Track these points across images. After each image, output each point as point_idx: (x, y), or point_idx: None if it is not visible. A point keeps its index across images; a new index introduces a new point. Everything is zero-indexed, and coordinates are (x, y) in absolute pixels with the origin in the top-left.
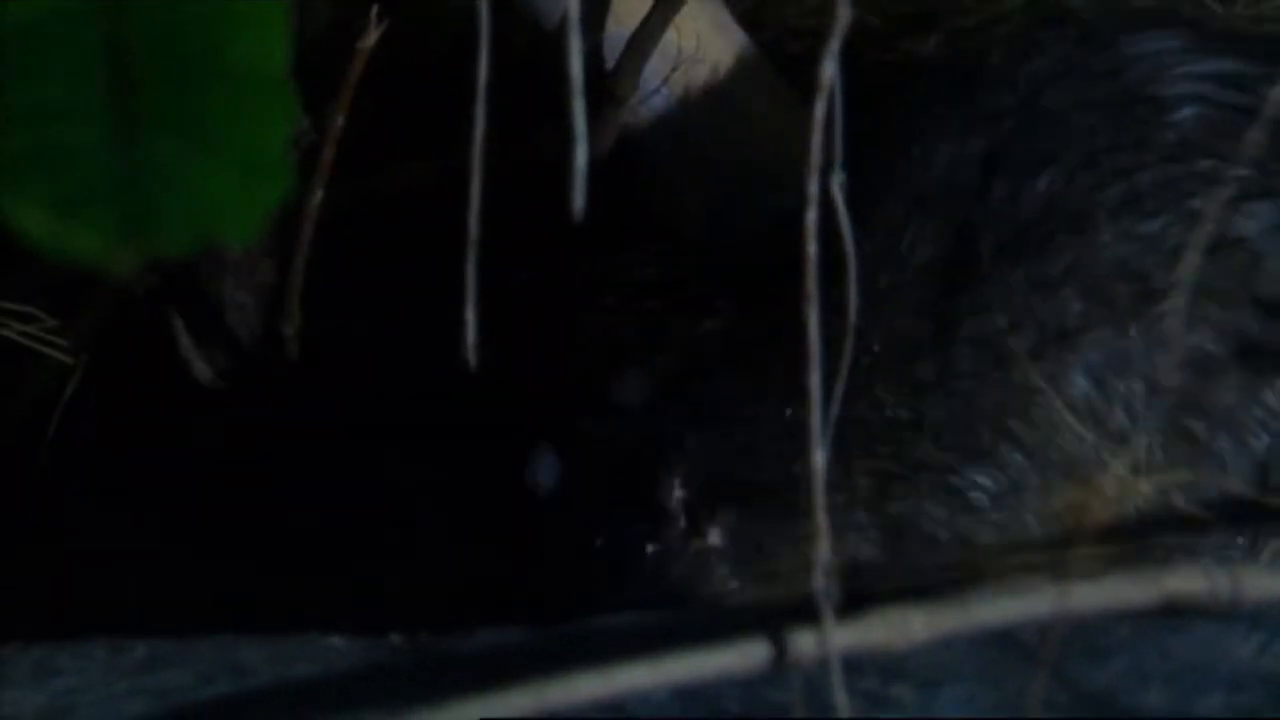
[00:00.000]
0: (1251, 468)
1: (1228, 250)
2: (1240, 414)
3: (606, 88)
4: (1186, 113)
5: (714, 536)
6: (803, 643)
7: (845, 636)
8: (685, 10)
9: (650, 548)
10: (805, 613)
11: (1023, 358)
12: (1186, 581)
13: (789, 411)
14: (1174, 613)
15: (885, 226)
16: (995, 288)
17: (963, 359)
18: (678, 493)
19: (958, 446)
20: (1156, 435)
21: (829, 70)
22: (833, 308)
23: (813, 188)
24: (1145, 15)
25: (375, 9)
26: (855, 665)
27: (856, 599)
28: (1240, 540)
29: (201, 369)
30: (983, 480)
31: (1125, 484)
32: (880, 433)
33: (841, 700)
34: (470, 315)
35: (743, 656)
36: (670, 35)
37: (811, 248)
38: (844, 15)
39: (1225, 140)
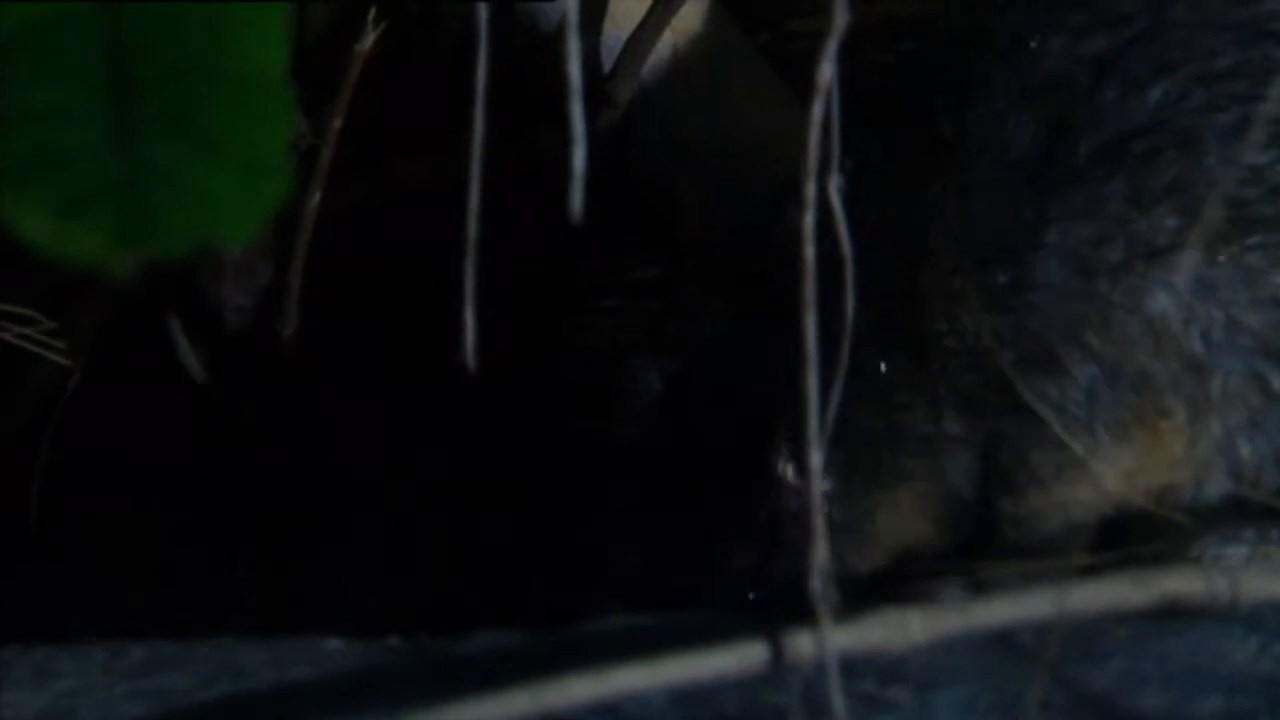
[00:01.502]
0: None
1: None
2: None
3: (604, 90)
4: None
5: (826, 484)
6: (800, 645)
7: (843, 638)
8: (682, 13)
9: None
10: (803, 614)
11: (1107, 270)
12: (1185, 583)
13: (882, 366)
14: (1172, 615)
15: (987, 118)
16: (1089, 194)
17: (1046, 266)
18: (785, 450)
19: (1027, 357)
20: (1232, 373)
21: (827, 72)
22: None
23: (810, 190)
24: None
25: (373, 12)
26: (853, 667)
27: (855, 601)
28: (1239, 541)
29: (199, 371)
30: (1051, 391)
31: (1181, 438)
32: (958, 345)
33: (839, 702)
34: (469, 317)
35: (740, 658)
36: (667, 38)
37: (809, 251)
38: (842, 17)
39: None
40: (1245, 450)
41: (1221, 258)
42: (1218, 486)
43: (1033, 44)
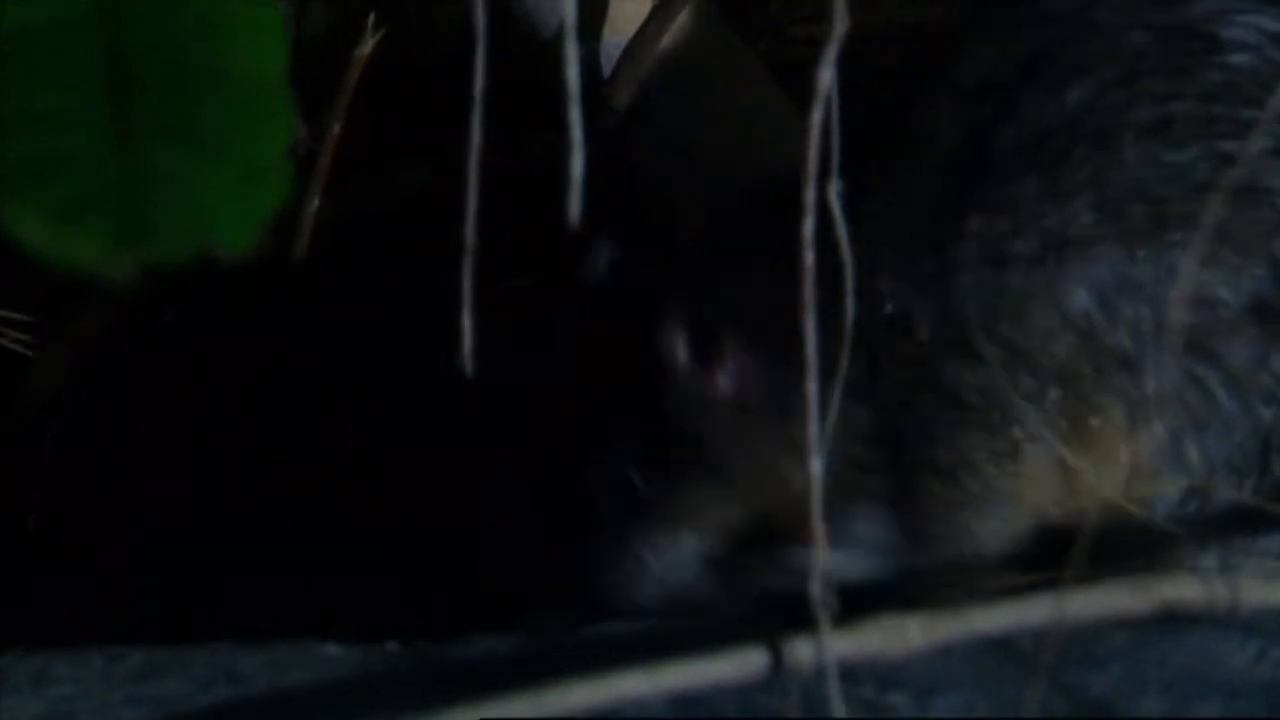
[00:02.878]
0: (1255, 435)
1: (1253, 199)
2: (1249, 375)
3: (603, 96)
4: (1240, 59)
5: (722, 379)
6: (800, 650)
7: (842, 644)
8: (681, 18)
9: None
10: (802, 620)
11: (1021, 261)
12: (1183, 589)
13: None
14: (1171, 620)
15: (918, 118)
16: (1006, 190)
17: (963, 256)
18: (680, 336)
19: (945, 341)
20: (1164, 373)
21: (826, 77)
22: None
23: (810, 195)
24: None
25: (372, 16)
26: (852, 673)
27: (854, 606)
28: (1237, 547)
29: (197, 375)
30: (968, 378)
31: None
32: (875, 325)
33: (838, 708)
34: (466, 321)
35: (740, 664)
36: (666, 43)
37: (809, 256)
38: (841, 23)
39: (1271, 95)
40: (1193, 453)
41: (1141, 254)
42: (1172, 492)
43: (966, 45)
